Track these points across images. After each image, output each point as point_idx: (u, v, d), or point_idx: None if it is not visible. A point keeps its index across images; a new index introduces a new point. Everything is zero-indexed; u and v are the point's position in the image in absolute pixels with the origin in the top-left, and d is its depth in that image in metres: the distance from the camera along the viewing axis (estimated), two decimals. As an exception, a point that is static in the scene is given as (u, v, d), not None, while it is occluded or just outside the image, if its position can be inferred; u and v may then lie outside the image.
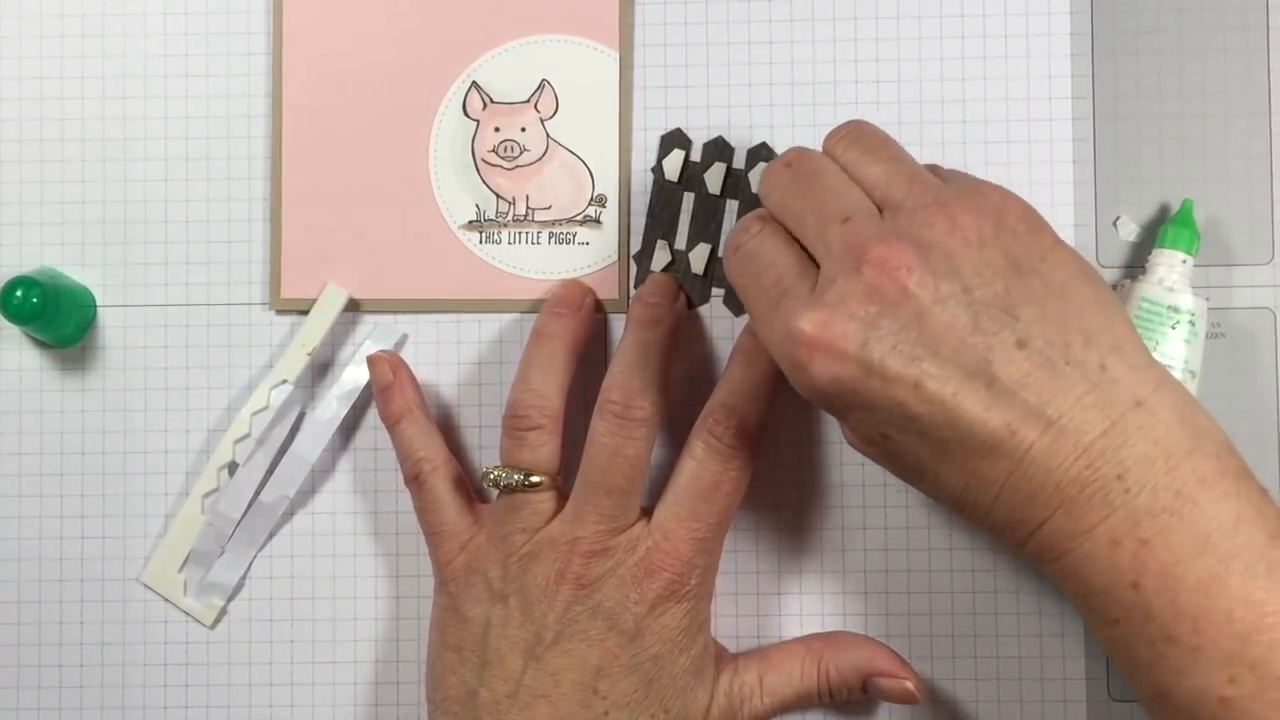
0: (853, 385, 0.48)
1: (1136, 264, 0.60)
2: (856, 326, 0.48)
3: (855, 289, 0.48)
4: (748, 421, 0.56)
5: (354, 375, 0.61)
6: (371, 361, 0.60)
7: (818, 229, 0.51)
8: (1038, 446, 0.47)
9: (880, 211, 0.50)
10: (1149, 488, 0.46)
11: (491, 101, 0.62)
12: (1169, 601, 0.46)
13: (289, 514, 0.62)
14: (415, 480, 0.58)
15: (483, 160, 0.62)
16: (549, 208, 0.61)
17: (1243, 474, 0.48)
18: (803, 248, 0.52)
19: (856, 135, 0.53)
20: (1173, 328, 0.57)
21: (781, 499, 0.61)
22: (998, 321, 0.48)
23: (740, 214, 0.61)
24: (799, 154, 0.53)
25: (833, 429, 0.61)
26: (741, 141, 0.61)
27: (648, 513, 0.56)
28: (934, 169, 0.54)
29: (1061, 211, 0.60)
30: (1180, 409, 0.48)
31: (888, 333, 0.48)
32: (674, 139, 0.61)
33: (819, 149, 0.54)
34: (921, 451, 0.49)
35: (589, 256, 0.61)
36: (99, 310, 0.62)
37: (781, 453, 0.61)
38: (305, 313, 0.61)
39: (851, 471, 0.61)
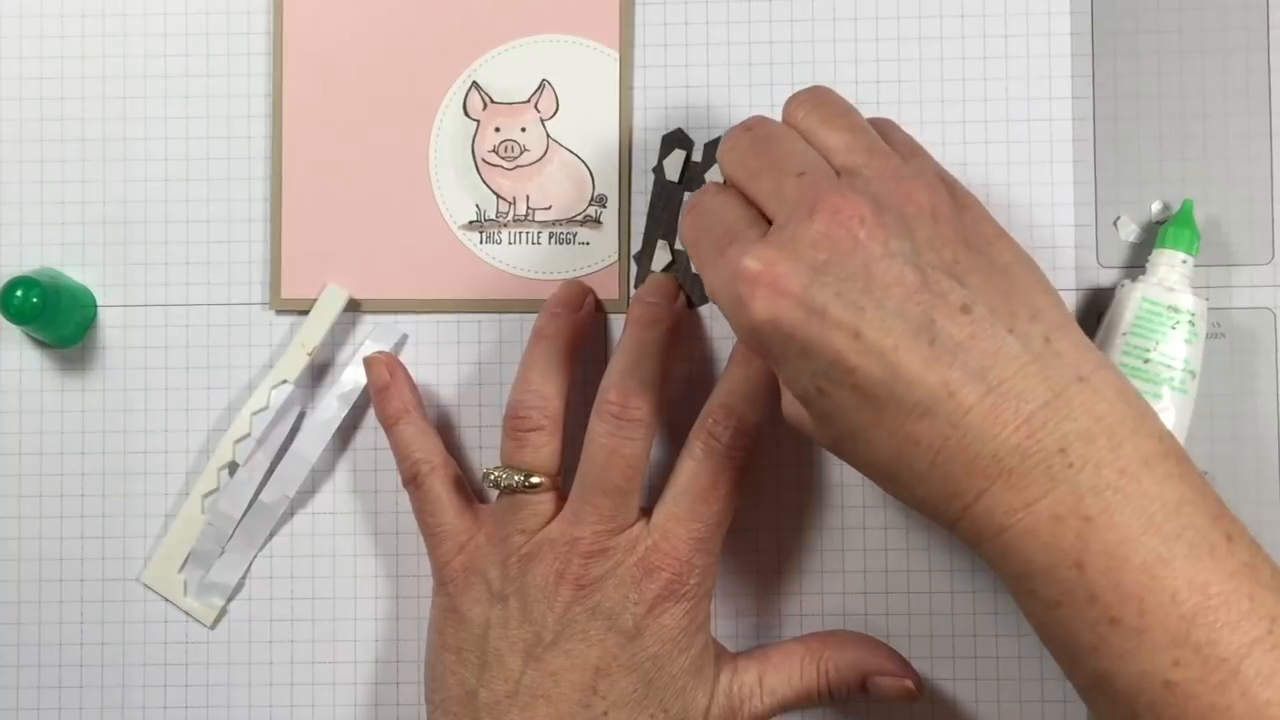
0: (791, 327, 0.47)
1: (1136, 264, 0.60)
2: (803, 269, 0.47)
3: (806, 233, 0.48)
4: (746, 421, 0.56)
5: (354, 375, 0.61)
6: (368, 363, 0.60)
7: (773, 182, 0.50)
8: (976, 411, 0.46)
9: (837, 175, 0.50)
10: (1092, 464, 0.46)
11: (492, 101, 0.62)
12: (1114, 582, 0.45)
13: (289, 514, 0.62)
14: (413, 481, 0.58)
15: (483, 160, 0.62)
16: (549, 208, 0.61)
17: (1183, 458, 0.47)
18: (759, 213, 0.51)
19: (818, 101, 0.53)
20: (1173, 328, 0.57)
21: (781, 499, 0.61)
22: (945, 285, 0.47)
23: (740, 214, 0.61)
24: (758, 119, 0.53)
25: (833, 429, 0.61)
26: (741, 142, 0.61)
27: (647, 513, 0.56)
28: (887, 128, 0.53)
29: (1061, 211, 0.60)
30: (1122, 390, 0.47)
31: (833, 279, 0.47)
32: (675, 139, 0.61)
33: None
34: (854, 411, 0.47)
35: (589, 256, 0.61)
36: (99, 310, 0.62)
37: (781, 453, 0.61)
38: (305, 313, 0.61)
39: (851, 471, 0.60)
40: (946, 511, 0.48)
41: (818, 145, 0.51)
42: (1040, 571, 0.46)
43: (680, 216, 0.54)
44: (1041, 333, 0.47)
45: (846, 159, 0.50)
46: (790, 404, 0.50)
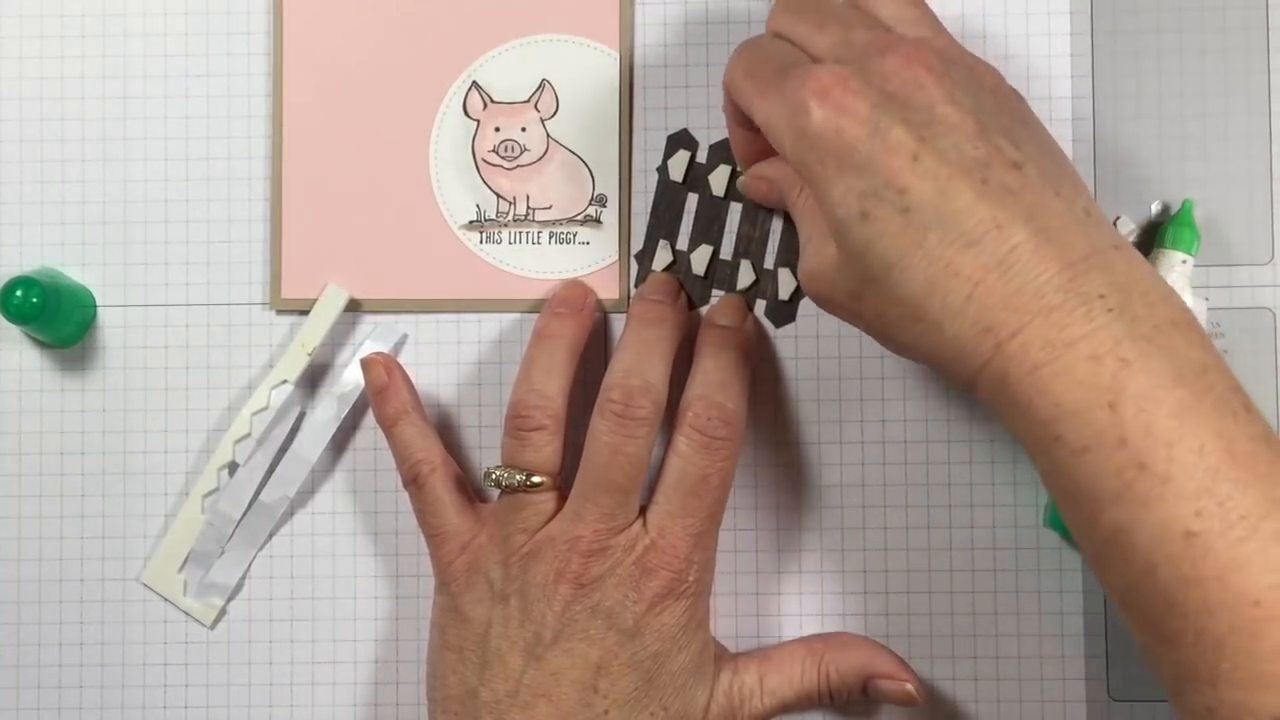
0: (854, 139, 0.48)
1: (1136, 264, 0.60)
2: (872, 90, 0.48)
3: (877, 67, 0.49)
4: (726, 410, 0.56)
5: (354, 375, 0.61)
6: (366, 364, 0.60)
7: (840, 33, 0.51)
8: (1023, 248, 0.46)
9: None
10: (1130, 314, 0.46)
11: (492, 101, 0.62)
12: (1145, 426, 0.45)
13: (289, 514, 0.62)
14: (414, 482, 0.58)
15: (483, 160, 0.62)
16: (549, 207, 0.62)
17: (1204, 331, 0.48)
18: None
19: None
20: (1173, 327, 0.57)
21: (782, 499, 0.61)
22: (1001, 142, 0.48)
23: (744, 217, 0.61)
24: None
25: (833, 429, 0.61)
26: (742, 141, 0.61)
27: (644, 511, 0.56)
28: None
29: (1061, 211, 0.60)
30: (1150, 266, 0.48)
31: (899, 108, 0.48)
32: (680, 139, 0.61)
33: None
34: (897, 236, 0.47)
35: (589, 256, 0.61)
36: (99, 310, 0.62)
37: (781, 453, 0.61)
38: (305, 313, 0.61)
39: (851, 472, 0.61)
40: (975, 351, 0.47)
41: (880, 16, 0.52)
42: (1071, 413, 0.46)
43: (730, 61, 0.54)
44: (1083, 205, 0.48)
45: (911, 30, 0.52)
46: (814, 255, 0.51)
